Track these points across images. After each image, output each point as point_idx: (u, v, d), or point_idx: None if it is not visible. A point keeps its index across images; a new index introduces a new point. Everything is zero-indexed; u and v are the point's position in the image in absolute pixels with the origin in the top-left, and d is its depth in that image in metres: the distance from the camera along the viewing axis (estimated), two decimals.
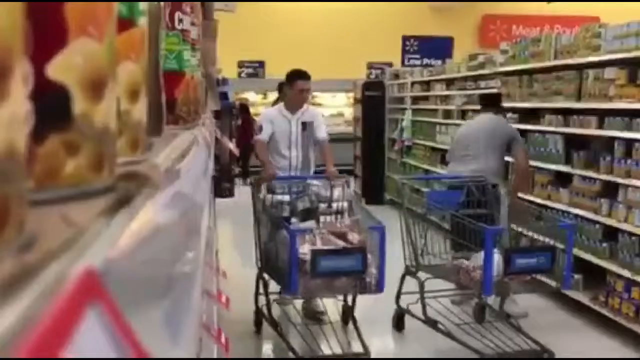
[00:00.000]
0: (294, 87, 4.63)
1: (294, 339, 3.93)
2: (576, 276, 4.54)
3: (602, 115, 4.68)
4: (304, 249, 3.40)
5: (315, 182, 4.38)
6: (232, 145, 5.14)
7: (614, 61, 4.54)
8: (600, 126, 4.69)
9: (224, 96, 6.22)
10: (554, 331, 4.21)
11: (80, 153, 0.39)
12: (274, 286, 4.00)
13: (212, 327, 2.42)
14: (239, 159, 12.02)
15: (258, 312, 4.20)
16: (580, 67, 4.96)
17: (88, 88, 0.39)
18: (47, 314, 0.21)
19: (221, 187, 6.36)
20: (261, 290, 4.07)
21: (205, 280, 2.24)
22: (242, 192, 6.84)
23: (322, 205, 4.24)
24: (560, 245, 3.65)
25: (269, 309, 4.00)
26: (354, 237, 3.62)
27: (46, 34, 0.37)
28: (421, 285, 3.97)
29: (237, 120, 10.29)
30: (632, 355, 3.96)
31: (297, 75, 4.70)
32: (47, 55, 0.37)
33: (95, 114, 0.40)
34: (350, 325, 4.00)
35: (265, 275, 4.03)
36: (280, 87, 5.89)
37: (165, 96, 1.24)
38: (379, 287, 3.50)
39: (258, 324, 4.22)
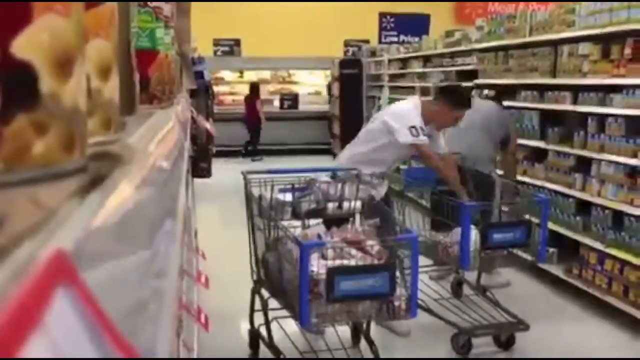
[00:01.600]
0: (454, 112, 3.90)
1: None
2: (551, 250, 4.62)
3: (576, 91, 4.74)
4: (315, 265, 2.70)
5: (321, 176, 3.54)
6: (208, 125, 5.01)
7: (588, 37, 4.58)
8: (575, 102, 4.75)
9: (199, 75, 6.15)
10: (529, 304, 4.30)
11: (49, 133, 0.38)
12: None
13: (192, 307, 2.43)
14: (250, 137, 11.99)
15: (254, 332, 3.56)
16: (555, 43, 5.00)
17: (55, 66, 0.38)
18: (16, 296, 0.21)
19: (199, 167, 6.32)
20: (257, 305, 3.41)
21: (185, 261, 2.24)
22: (220, 169, 6.82)
23: (331, 206, 3.42)
24: (535, 220, 3.71)
25: (268, 331, 3.29)
26: (373, 247, 2.89)
27: (10, 10, 0.36)
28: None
29: (214, 100, 10.19)
30: (604, 325, 4.07)
31: (465, 103, 4.02)
32: (11, 33, 0.36)
33: (63, 93, 0.39)
34: (363, 346, 3.39)
35: (264, 292, 3.35)
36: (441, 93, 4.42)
37: (138, 75, 1.22)
38: (411, 312, 2.82)
39: (254, 346, 3.57)
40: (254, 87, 12.11)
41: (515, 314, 3.84)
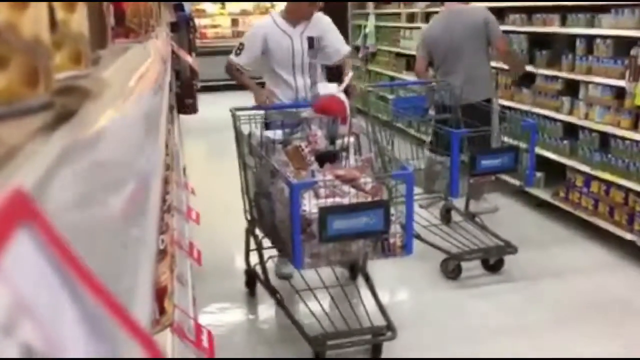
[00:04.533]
0: None
1: (295, 307, 3.26)
2: (538, 174, 4.66)
3: (564, 13, 4.65)
4: (307, 204, 2.61)
5: (311, 112, 3.30)
6: (190, 60, 4.89)
7: None
8: (563, 24, 4.67)
9: (179, 8, 5.96)
10: (517, 228, 4.38)
11: (9, 67, 0.36)
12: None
13: (184, 242, 2.45)
14: None
15: (250, 272, 3.56)
16: None
17: None
18: None
19: (184, 103, 6.23)
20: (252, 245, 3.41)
21: (174, 197, 2.24)
22: (206, 105, 6.73)
23: (323, 141, 3.28)
24: (523, 145, 3.72)
25: (264, 271, 3.31)
26: (367, 183, 2.79)
27: None
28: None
29: (196, 33, 9.93)
30: (591, 246, 4.16)
31: None
32: None
33: (21, 23, 0.36)
34: (361, 285, 3.32)
35: (258, 232, 3.33)
36: None
37: (112, 7, 1.17)
38: (407, 248, 2.74)
39: (250, 284, 3.58)
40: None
41: (503, 237, 3.92)
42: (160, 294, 1.38)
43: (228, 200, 4.10)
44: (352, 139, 3.24)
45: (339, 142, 3.24)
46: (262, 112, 3.42)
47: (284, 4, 3.75)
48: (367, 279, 3.20)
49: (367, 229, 2.61)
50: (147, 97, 0.79)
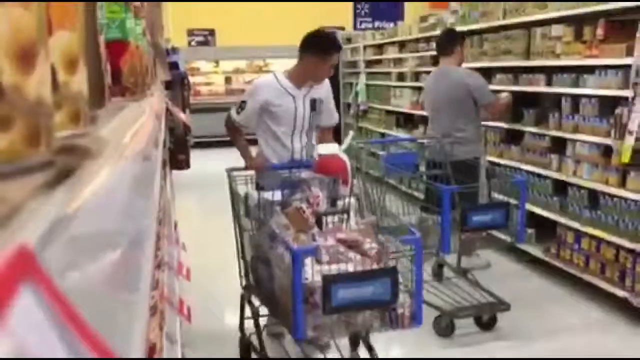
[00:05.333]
0: (325, 59, 3.35)
1: None
2: (529, 230, 4.68)
3: (550, 73, 4.78)
4: (309, 271, 2.43)
5: (309, 173, 3.19)
6: (184, 116, 4.95)
7: (561, 19, 4.62)
8: (549, 83, 4.79)
9: (174, 66, 6.09)
10: (509, 284, 4.36)
11: (13, 127, 0.37)
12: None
13: (174, 299, 2.42)
14: None
15: (245, 341, 3.39)
16: (528, 26, 5.03)
17: (17, 58, 0.37)
18: None
19: (177, 158, 6.27)
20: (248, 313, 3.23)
21: (165, 253, 2.23)
22: (198, 161, 6.78)
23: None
24: (513, 201, 3.75)
25: (260, 341, 3.12)
26: (371, 248, 2.60)
27: None
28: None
29: (190, 91, 10.10)
30: (582, 303, 4.14)
31: (333, 45, 3.43)
32: None
33: (26, 86, 0.38)
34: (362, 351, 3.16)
35: (254, 299, 3.14)
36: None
37: (110, 67, 1.20)
38: (417, 319, 2.58)
39: (245, 351, 3.40)
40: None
41: (496, 294, 3.90)
42: (150, 352, 1.36)
43: (219, 256, 4.07)
44: (352, 200, 3.10)
45: (340, 203, 3.08)
46: (256, 172, 3.32)
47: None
48: (371, 350, 2.99)
49: (373, 299, 2.40)
50: (142, 155, 0.80)
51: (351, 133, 3.61)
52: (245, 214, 3.09)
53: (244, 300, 3.30)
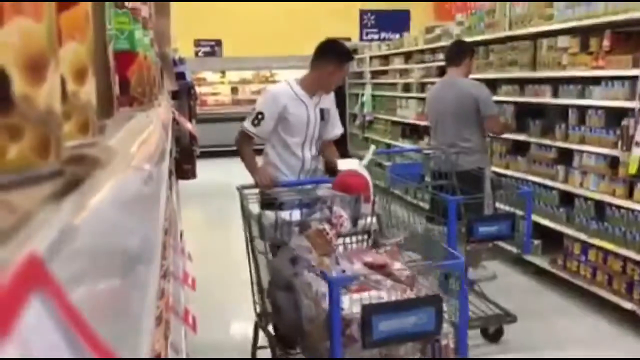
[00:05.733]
0: (341, 66, 3.34)
1: None
2: (535, 241, 4.66)
3: (556, 84, 4.78)
4: (345, 301, 2.18)
5: (327, 190, 2.94)
6: (190, 126, 4.97)
7: (567, 30, 4.62)
8: (555, 94, 4.79)
9: (181, 76, 6.12)
10: (516, 296, 4.34)
11: (23, 137, 0.38)
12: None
13: (180, 309, 2.41)
14: None
15: None
16: (534, 37, 5.04)
17: (27, 69, 0.37)
18: None
19: (183, 168, 6.29)
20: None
21: (171, 263, 2.23)
22: (205, 171, 6.79)
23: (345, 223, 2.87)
24: (519, 212, 3.74)
25: None
26: (401, 271, 2.38)
27: None
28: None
29: (196, 101, 10.15)
30: (590, 315, 4.11)
31: (346, 54, 3.44)
32: None
33: (37, 96, 0.38)
34: None
35: (270, 328, 2.88)
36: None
37: (118, 77, 1.21)
38: (461, 351, 2.37)
39: None
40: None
41: (502, 306, 3.87)
42: None
43: (225, 265, 4.06)
44: (374, 219, 2.89)
45: (361, 222, 2.83)
46: (270, 189, 3.08)
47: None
48: None
49: (417, 331, 2.17)
50: (149, 164, 0.81)
51: (372, 147, 3.41)
52: (260, 235, 2.82)
53: (258, 329, 3.05)
